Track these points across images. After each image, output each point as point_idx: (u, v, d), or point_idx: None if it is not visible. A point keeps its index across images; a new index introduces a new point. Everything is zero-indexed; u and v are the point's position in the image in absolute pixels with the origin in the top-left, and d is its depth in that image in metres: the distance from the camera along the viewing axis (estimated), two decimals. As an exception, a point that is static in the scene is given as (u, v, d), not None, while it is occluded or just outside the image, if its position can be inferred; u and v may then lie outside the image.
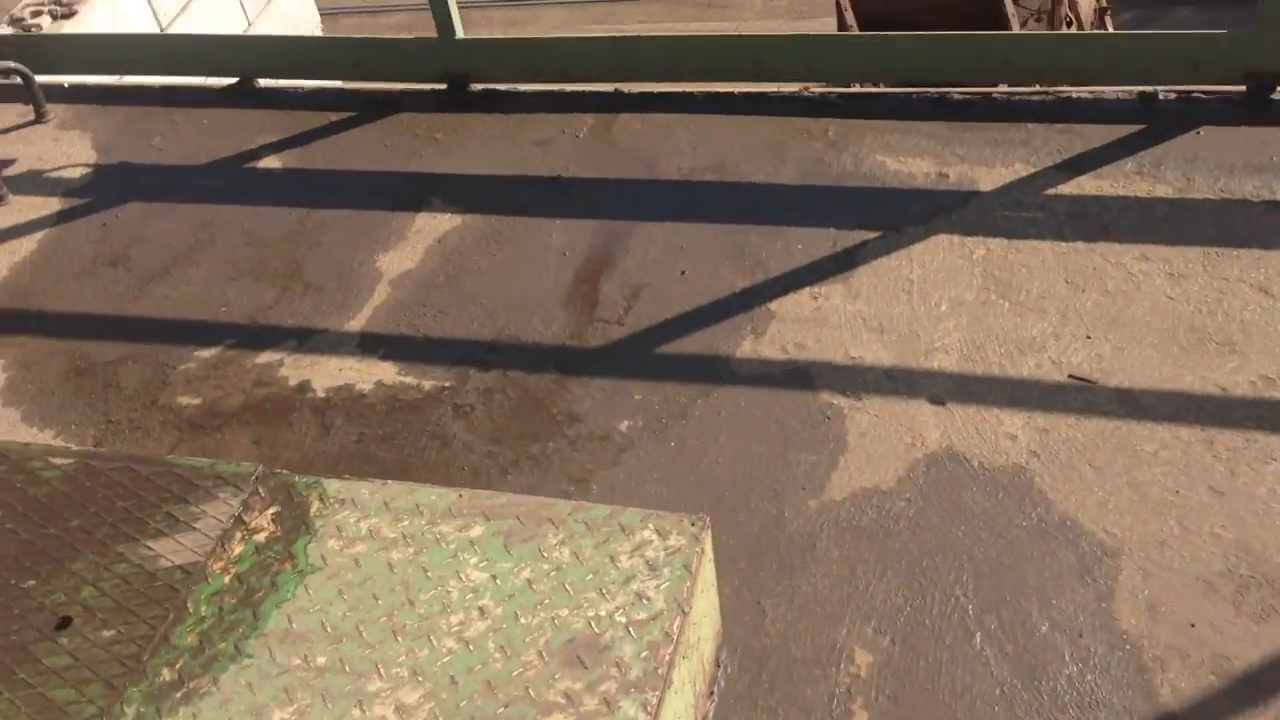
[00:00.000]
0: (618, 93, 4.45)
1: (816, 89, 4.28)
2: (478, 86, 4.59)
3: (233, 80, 4.80)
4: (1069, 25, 10.74)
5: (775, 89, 4.37)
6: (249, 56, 4.73)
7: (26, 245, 4.19)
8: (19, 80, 4.65)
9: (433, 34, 4.48)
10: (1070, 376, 3.24)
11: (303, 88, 4.75)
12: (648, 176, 4.09)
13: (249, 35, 4.64)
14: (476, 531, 2.51)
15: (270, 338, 3.72)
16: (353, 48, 4.64)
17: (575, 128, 4.34)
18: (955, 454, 3.08)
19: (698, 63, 4.32)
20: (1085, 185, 3.74)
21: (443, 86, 4.61)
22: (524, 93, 4.54)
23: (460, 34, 4.46)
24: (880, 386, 3.29)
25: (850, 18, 9.97)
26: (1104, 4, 11.20)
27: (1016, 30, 9.21)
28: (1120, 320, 3.35)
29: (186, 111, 4.74)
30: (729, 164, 4.07)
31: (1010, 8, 9.73)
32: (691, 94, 4.38)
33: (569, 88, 4.50)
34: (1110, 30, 11.32)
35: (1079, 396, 3.18)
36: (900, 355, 3.35)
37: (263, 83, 4.78)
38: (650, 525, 2.50)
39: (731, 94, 4.35)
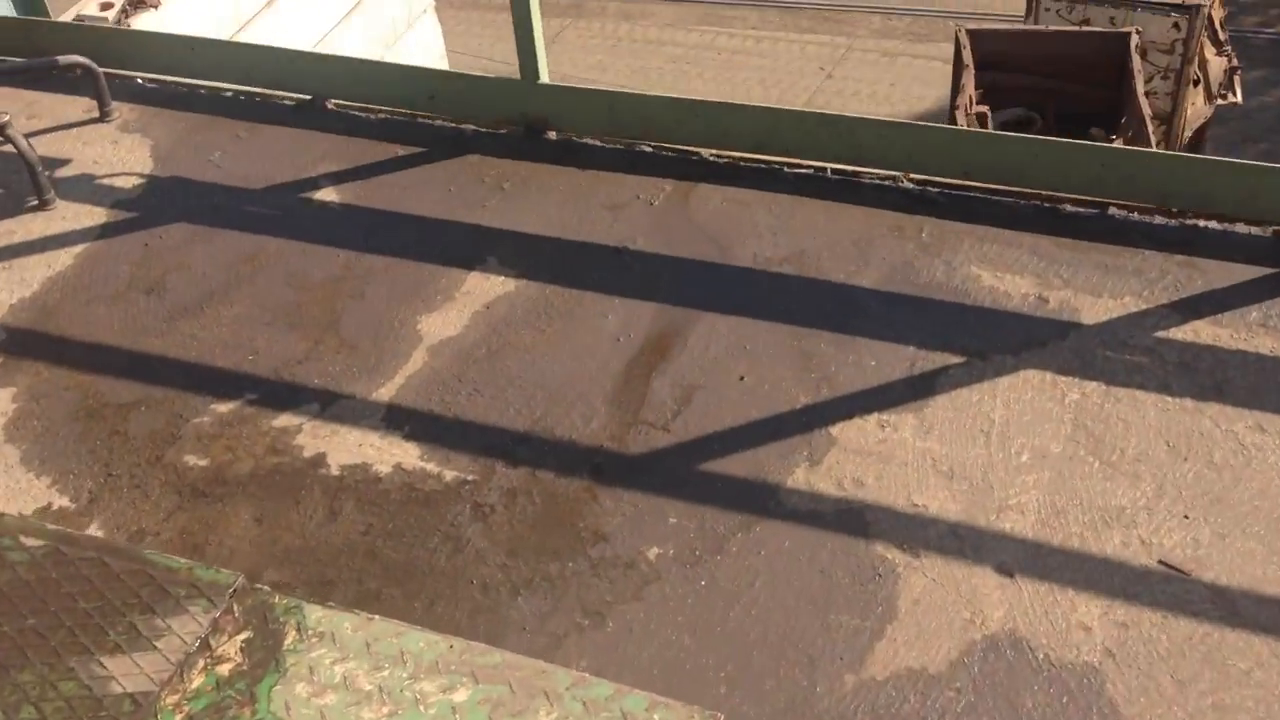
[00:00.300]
0: (700, 159, 4.13)
1: (916, 178, 3.92)
2: (555, 135, 4.30)
3: (305, 97, 4.58)
4: (1196, 84, 10.13)
5: (871, 171, 4.01)
6: (323, 75, 4.50)
7: (64, 259, 4.01)
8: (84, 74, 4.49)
9: (517, 74, 4.21)
10: (1160, 563, 2.86)
11: (375, 114, 4.51)
12: (719, 260, 3.77)
13: (325, 54, 4.42)
14: (461, 696, 2.23)
15: (293, 398, 3.48)
16: (430, 79, 4.39)
17: (651, 193, 4.04)
18: (1019, 640, 2.72)
19: (791, 138, 3.99)
20: (1201, 331, 3.33)
21: (519, 131, 4.34)
22: (603, 147, 4.25)
23: (544, 78, 4.18)
24: (943, 544, 2.94)
25: (968, 55, 9.50)
26: (1234, 64, 10.59)
27: (1140, 86, 8.68)
28: (1225, 500, 2.95)
29: (252, 126, 4.53)
30: (809, 256, 3.74)
31: (1137, 63, 9.17)
32: (779, 169, 4.05)
33: (650, 146, 4.20)
34: (1238, 91, 10.73)
35: (1168, 589, 2.80)
36: (969, 509, 3.00)
37: (334, 103, 4.55)
38: (656, 717, 2.19)
39: (823, 174, 4.01)
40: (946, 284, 3.58)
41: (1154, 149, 3.51)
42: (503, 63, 15.97)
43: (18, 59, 4.77)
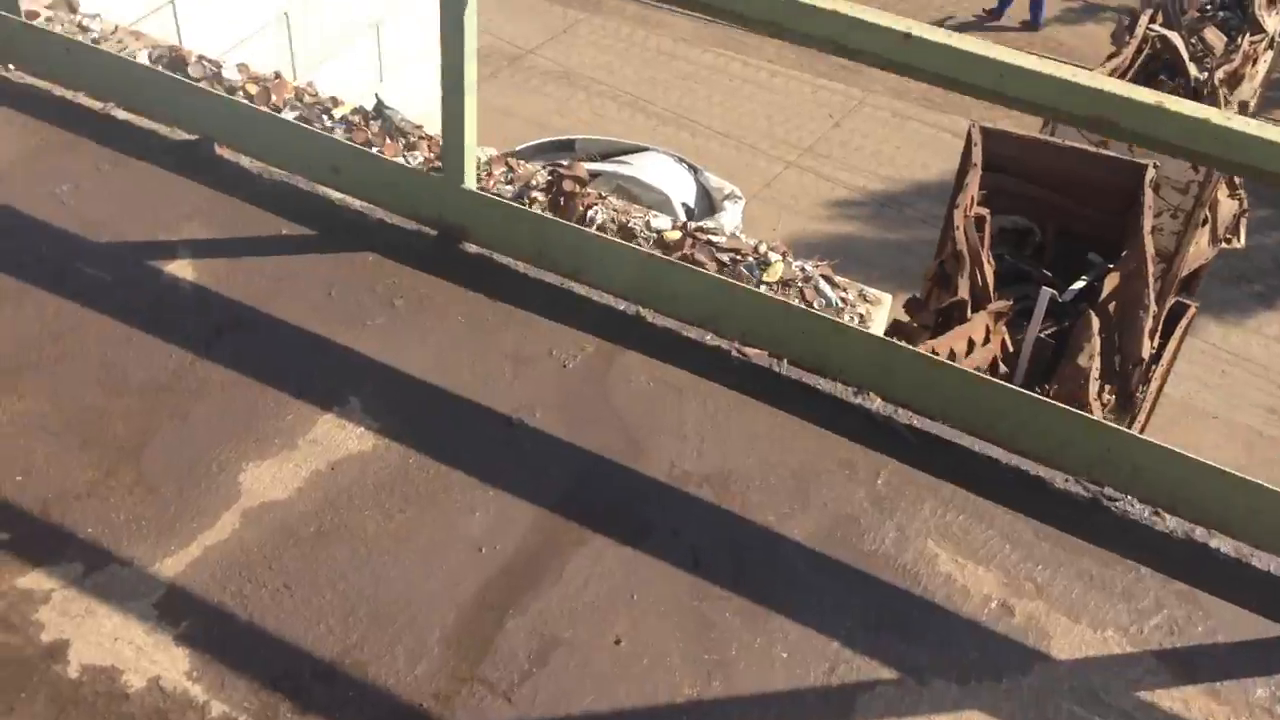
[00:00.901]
0: (637, 318, 3.42)
1: (886, 405, 3.24)
2: (473, 248, 3.57)
3: (192, 136, 3.81)
4: (1205, 224, 9.66)
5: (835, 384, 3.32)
6: (218, 115, 3.73)
7: None
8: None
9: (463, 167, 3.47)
10: None
11: (269, 175, 3.75)
12: (629, 462, 3.06)
13: (222, 95, 3.67)
14: None
15: (53, 549, 2.72)
16: (337, 151, 3.64)
17: (567, 350, 3.32)
18: None
19: (745, 317, 3.29)
20: (1192, 701, 2.66)
21: (433, 234, 3.60)
22: (525, 276, 3.52)
23: (469, 184, 3.45)
24: None
25: (977, 154, 8.92)
26: (1244, 207, 10.16)
27: (1149, 222, 8.13)
28: None
29: (120, 159, 3.75)
30: (736, 482, 3.03)
31: (1150, 197, 8.63)
32: (727, 352, 3.35)
33: (581, 288, 3.48)
34: (1243, 236, 10.28)
35: None
36: None
37: (224, 151, 3.79)
38: None
39: (775, 371, 3.31)
40: (895, 559, 2.89)
41: (1169, 448, 2.85)
42: (508, 42, 15.22)
43: None
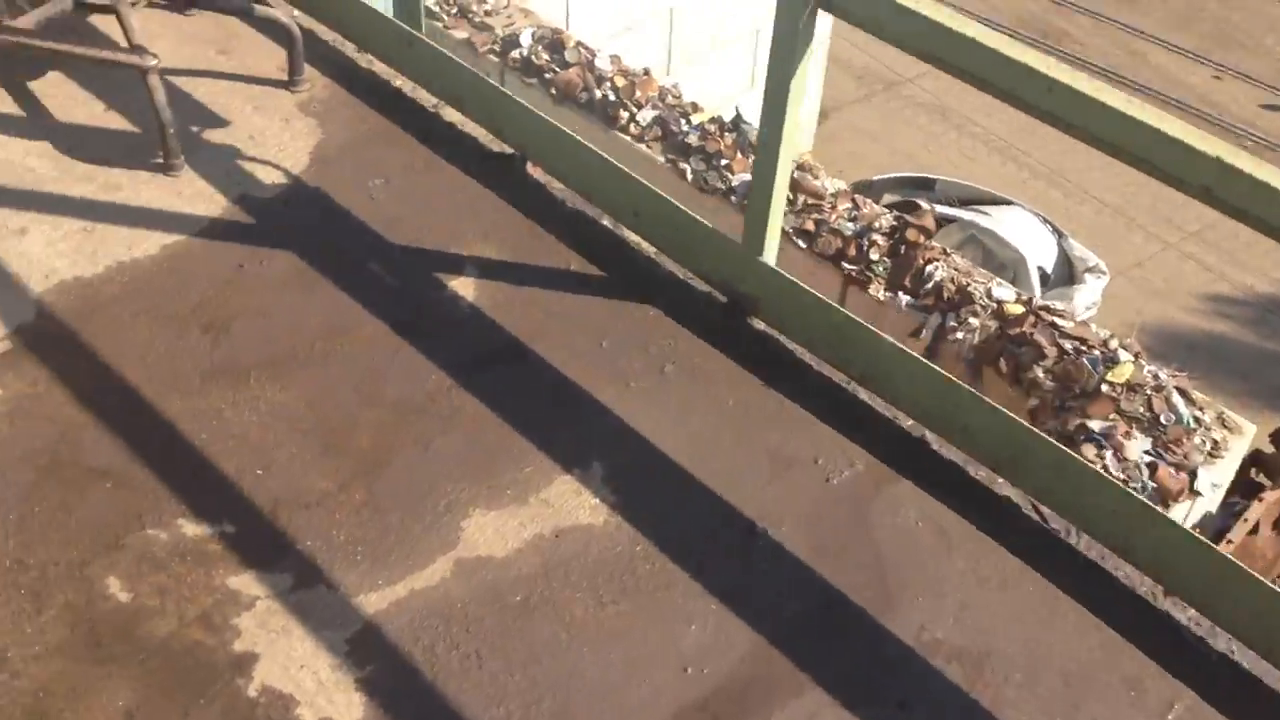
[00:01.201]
0: (922, 444, 3.03)
1: (1202, 620, 2.70)
2: (761, 325, 3.31)
3: (508, 149, 3.74)
4: None
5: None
6: (535, 133, 3.62)
7: (144, 246, 3.34)
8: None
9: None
10: None
11: (570, 202, 3.63)
12: (872, 609, 2.69)
13: (541, 115, 3.55)
14: None
15: (268, 557, 2.66)
16: (642, 196, 3.44)
17: (836, 463, 2.98)
18: None
19: (1045, 473, 2.84)
20: None
21: (722, 299, 3.37)
22: (811, 368, 3.22)
23: (769, 257, 3.18)
24: None
25: None
26: None
27: None
28: None
29: (434, 161, 3.72)
30: (992, 668, 2.60)
31: None
32: (1018, 509, 2.91)
33: (867, 394, 3.14)
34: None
35: None
36: None
37: (534, 170, 3.69)
38: None
39: (1069, 544, 2.84)
40: (1165, 813, 2.39)
41: None
42: (887, 67, 14.50)
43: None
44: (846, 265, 6.53)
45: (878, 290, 6.48)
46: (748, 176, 7.28)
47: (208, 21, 4.06)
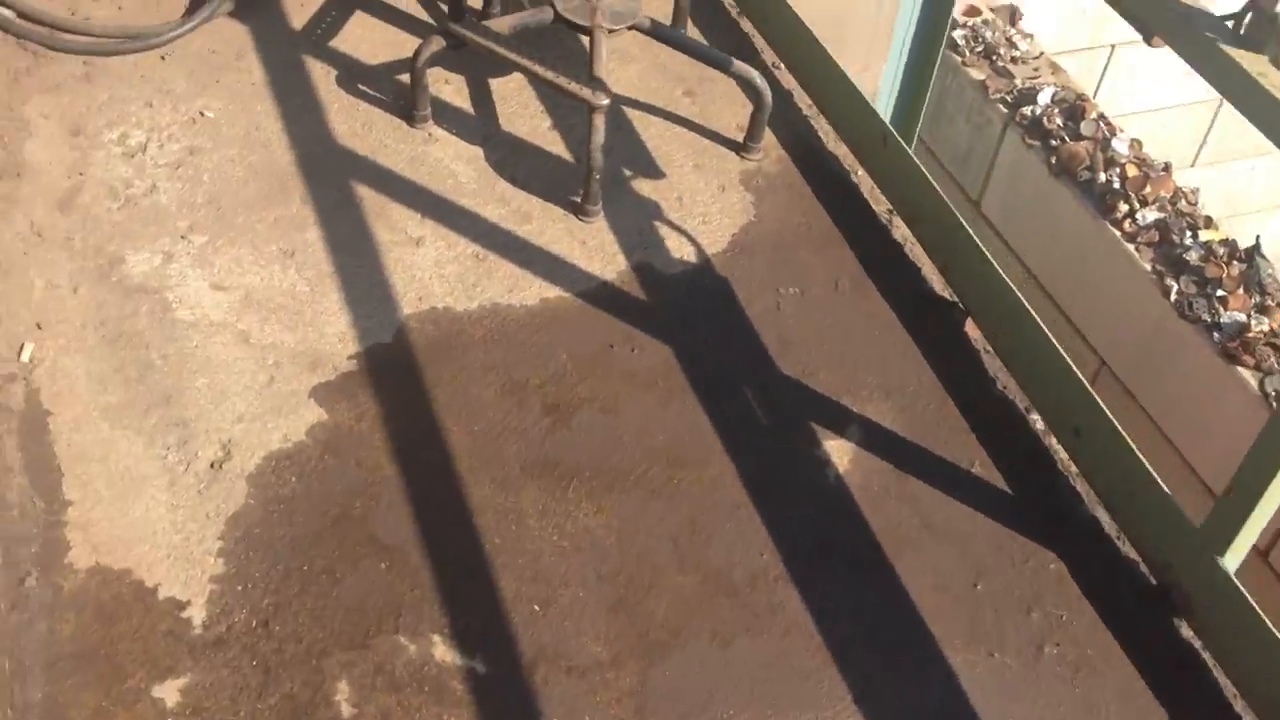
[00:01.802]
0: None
1: None
2: (1186, 631, 2.53)
3: (951, 297, 3.13)
4: None
5: None
6: (985, 285, 3.01)
7: (526, 294, 3.07)
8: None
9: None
10: None
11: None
12: None
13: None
14: None
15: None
16: (1085, 406, 2.73)
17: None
18: None
19: None
20: None
21: (1150, 580, 2.61)
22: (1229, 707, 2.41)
23: (1231, 563, 2.39)
24: None
25: None
26: None
27: None
28: None
29: (873, 296, 3.20)
30: None
31: None
32: None
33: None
34: None
35: None
36: None
37: (973, 331, 3.07)
38: None
39: None
40: None
41: None
42: None
43: (708, 46, 3.75)
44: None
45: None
46: (1241, 317, 6.14)
47: (686, 57, 3.74)
